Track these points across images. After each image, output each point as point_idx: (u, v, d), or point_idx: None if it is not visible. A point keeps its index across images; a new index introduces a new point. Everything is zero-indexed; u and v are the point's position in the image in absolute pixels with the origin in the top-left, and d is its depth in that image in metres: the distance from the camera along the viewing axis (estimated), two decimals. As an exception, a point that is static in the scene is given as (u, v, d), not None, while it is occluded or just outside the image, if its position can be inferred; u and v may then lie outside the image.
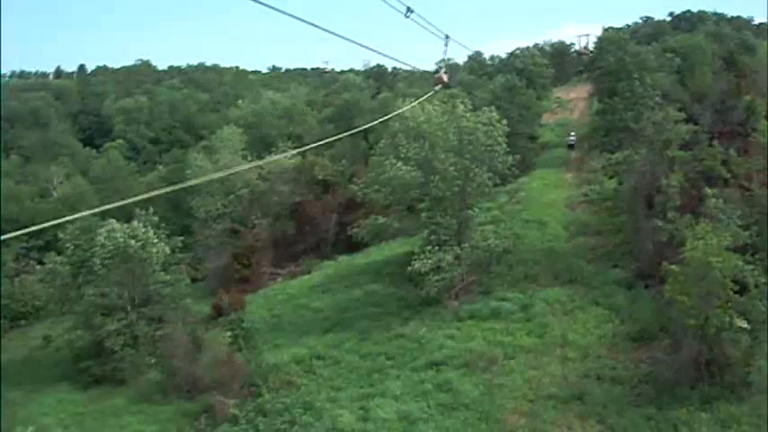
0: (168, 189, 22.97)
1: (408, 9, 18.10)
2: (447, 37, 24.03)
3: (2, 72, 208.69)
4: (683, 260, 35.58)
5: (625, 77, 74.97)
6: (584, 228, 57.95)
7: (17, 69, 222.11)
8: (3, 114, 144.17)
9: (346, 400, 39.84)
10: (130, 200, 15.27)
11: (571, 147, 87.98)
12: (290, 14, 13.63)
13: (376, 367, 43.27)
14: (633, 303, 44.92)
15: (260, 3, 12.03)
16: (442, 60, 27.83)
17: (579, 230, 57.65)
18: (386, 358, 44.17)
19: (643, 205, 49.52)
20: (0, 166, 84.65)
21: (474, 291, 50.55)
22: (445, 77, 26.85)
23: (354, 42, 18.15)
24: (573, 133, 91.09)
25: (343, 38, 17.58)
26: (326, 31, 16.07)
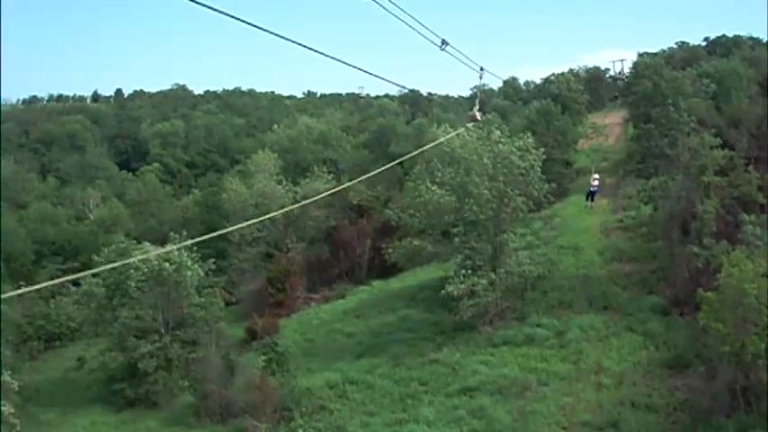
0: (260, 219, 22.83)
1: (443, 42, 18.05)
2: (481, 69, 23.98)
3: (28, 94, 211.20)
4: (719, 287, 35.29)
5: (660, 103, 74.46)
6: (619, 254, 57.42)
7: (55, 93, 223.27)
8: (39, 137, 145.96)
9: (379, 425, 39.80)
10: (220, 231, 15.28)
11: (591, 195, 66.58)
12: (322, 53, 13.64)
13: (409, 393, 43.20)
14: (668, 330, 44.57)
15: (295, 42, 12.15)
16: (476, 87, 27.88)
17: (614, 257, 57.15)
18: (419, 383, 44.10)
19: (678, 231, 49.22)
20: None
21: (508, 317, 50.35)
22: (478, 115, 26.80)
23: (387, 80, 18.19)
24: (596, 176, 68.46)
25: (374, 75, 17.50)
26: (358, 68, 16.00)
